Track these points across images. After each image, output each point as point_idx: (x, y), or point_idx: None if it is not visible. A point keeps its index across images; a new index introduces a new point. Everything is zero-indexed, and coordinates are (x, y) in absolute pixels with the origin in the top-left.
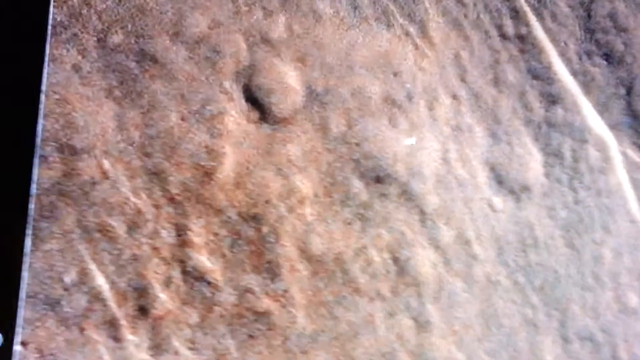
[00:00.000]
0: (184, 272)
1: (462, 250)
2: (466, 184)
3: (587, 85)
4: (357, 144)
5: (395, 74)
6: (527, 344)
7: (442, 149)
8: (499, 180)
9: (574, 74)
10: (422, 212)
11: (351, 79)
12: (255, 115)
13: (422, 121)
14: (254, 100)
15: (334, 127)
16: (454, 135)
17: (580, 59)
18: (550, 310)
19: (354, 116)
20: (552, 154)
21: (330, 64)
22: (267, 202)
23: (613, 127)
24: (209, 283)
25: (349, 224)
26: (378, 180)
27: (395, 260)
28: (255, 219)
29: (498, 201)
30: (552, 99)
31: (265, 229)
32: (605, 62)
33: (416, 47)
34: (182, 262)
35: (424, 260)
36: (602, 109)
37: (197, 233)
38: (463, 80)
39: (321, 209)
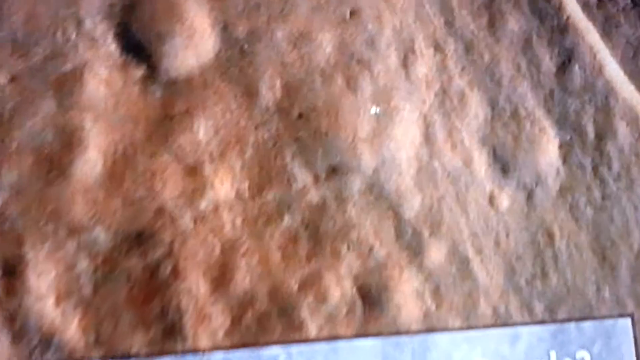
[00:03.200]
0: (15, 335)
1: (457, 273)
2: (459, 175)
3: (609, 33)
4: (300, 116)
5: (352, 13)
6: None
7: (423, 122)
8: (504, 167)
9: (592, 17)
10: (399, 217)
11: (289, 19)
12: (137, 71)
13: (392, 82)
14: (136, 48)
15: (265, 90)
16: (439, 103)
17: None
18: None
19: (293, 74)
20: (570, 130)
21: None
22: (159, 210)
23: None
24: (58, 349)
25: (291, 239)
26: (333, 170)
27: (363, 291)
28: (139, 239)
29: (503, 198)
30: (566, 53)
31: (156, 253)
32: (630, 2)
33: None
34: (11, 319)
35: (405, 291)
36: (631, 66)
37: (38, 269)
38: (449, 23)
39: (247, 217)
